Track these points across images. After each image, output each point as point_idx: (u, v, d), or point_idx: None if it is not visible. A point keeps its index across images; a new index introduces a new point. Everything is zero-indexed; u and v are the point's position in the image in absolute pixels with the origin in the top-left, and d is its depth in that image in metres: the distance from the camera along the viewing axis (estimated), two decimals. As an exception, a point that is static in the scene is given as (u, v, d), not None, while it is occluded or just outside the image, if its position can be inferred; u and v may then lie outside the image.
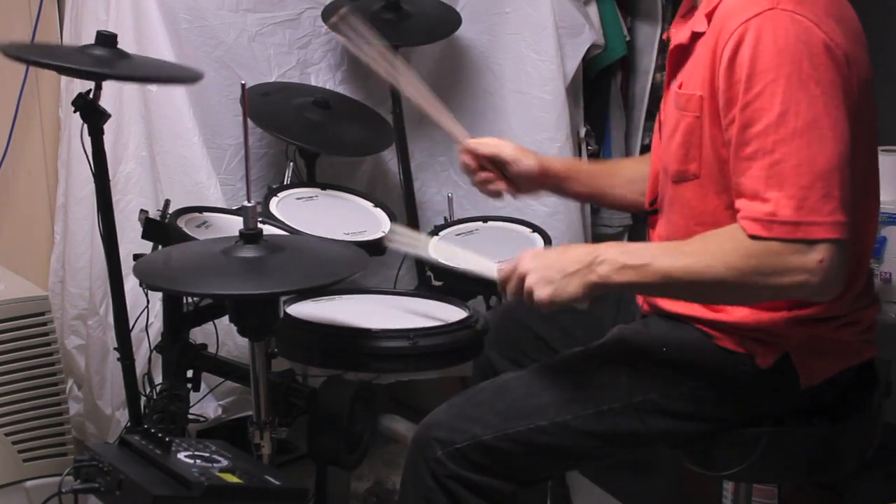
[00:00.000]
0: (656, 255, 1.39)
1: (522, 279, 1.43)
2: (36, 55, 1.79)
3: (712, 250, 1.36)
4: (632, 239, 2.82)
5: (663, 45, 2.77)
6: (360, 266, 1.57)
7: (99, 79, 1.80)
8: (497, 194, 1.77)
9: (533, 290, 1.41)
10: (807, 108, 1.30)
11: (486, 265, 1.57)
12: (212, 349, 2.09)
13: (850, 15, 1.43)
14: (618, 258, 1.39)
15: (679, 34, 1.50)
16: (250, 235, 1.53)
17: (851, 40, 1.38)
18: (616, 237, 2.84)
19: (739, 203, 1.36)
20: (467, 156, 1.75)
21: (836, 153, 1.31)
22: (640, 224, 2.77)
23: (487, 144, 1.74)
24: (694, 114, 1.43)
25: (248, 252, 1.52)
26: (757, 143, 1.33)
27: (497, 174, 1.74)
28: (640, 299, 1.66)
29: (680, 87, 1.47)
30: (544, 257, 1.44)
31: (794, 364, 1.47)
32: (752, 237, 1.33)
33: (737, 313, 1.48)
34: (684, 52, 1.49)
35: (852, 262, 1.45)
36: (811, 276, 1.31)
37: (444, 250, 1.81)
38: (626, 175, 1.79)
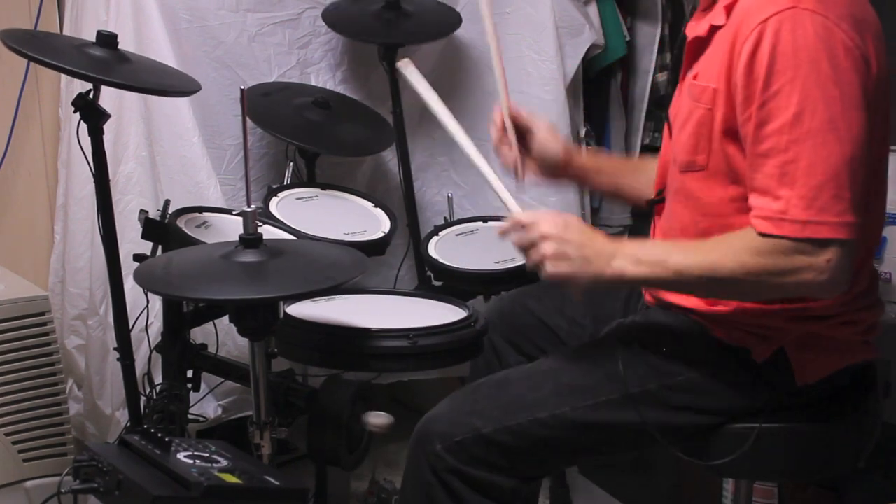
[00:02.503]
0: (671, 252, 1.42)
1: (537, 241, 1.42)
2: (36, 49, 1.77)
3: (724, 249, 1.38)
4: (632, 237, 2.82)
5: (663, 44, 2.78)
6: (359, 270, 1.57)
7: (98, 83, 1.79)
8: (517, 172, 1.70)
9: (546, 259, 1.41)
10: (823, 109, 1.31)
11: (508, 196, 1.55)
12: (212, 349, 2.09)
13: (870, 15, 1.43)
14: (635, 252, 1.42)
15: (698, 27, 1.51)
16: (250, 240, 1.53)
17: (871, 40, 1.38)
18: (616, 236, 2.84)
19: (752, 200, 1.38)
20: (498, 128, 1.69)
21: (850, 155, 1.32)
22: (639, 223, 2.78)
23: (525, 117, 1.69)
24: (706, 106, 1.44)
25: (248, 257, 1.52)
26: (772, 141, 1.34)
27: (522, 152, 1.70)
28: (646, 293, 1.66)
29: (695, 77, 1.49)
30: (566, 230, 1.42)
31: (790, 359, 1.48)
32: (763, 235, 1.35)
33: (734, 307, 1.48)
34: (702, 44, 1.50)
35: (855, 260, 1.45)
36: (818, 275, 1.33)
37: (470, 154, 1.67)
38: (649, 174, 1.76)
